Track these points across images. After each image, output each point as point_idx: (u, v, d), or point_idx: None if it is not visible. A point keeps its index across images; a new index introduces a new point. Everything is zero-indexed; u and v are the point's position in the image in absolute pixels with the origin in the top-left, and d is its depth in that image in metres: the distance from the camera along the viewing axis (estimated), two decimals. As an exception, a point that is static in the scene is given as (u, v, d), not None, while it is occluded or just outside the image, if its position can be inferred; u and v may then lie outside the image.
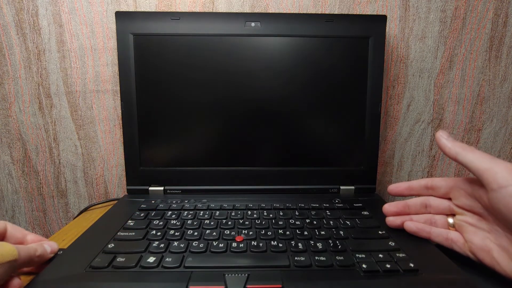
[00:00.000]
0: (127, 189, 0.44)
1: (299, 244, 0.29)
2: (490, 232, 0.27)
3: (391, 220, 0.33)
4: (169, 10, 0.46)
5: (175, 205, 0.38)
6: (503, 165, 0.24)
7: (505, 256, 0.25)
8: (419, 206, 0.32)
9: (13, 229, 0.28)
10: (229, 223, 0.34)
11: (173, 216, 0.35)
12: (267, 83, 0.42)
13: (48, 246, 0.27)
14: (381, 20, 0.43)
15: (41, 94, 0.48)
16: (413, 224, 0.31)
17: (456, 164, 0.52)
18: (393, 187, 0.33)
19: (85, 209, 0.47)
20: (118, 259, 0.27)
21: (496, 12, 0.47)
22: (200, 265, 0.26)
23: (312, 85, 0.43)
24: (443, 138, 0.29)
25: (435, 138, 0.30)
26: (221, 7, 0.46)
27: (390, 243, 0.30)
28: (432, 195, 0.32)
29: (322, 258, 0.27)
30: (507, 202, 0.24)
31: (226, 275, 0.24)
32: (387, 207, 0.33)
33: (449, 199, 0.31)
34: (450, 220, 0.30)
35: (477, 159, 0.26)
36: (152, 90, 0.42)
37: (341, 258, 0.27)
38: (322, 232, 0.32)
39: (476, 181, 0.27)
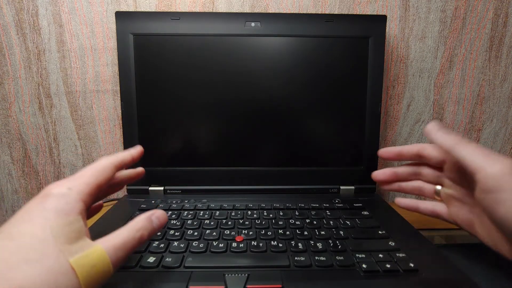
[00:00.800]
0: (127, 189, 0.44)
1: (299, 244, 0.29)
2: (473, 207, 0.27)
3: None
4: (169, 10, 0.46)
5: (175, 205, 0.38)
6: (496, 167, 0.22)
7: (485, 231, 0.26)
8: (408, 174, 0.33)
9: (120, 163, 0.25)
10: (229, 223, 0.34)
11: (173, 216, 0.35)
12: (267, 83, 0.42)
13: (156, 219, 0.23)
14: (381, 20, 0.43)
15: (41, 94, 0.48)
16: (402, 200, 0.33)
17: (456, 164, 0.52)
18: (384, 152, 0.33)
19: (85, 209, 0.47)
20: (118, 259, 0.27)
21: (496, 12, 0.47)
22: (200, 265, 0.26)
23: (312, 85, 0.43)
24: (434, 130, 0.28)
25: (426, 130, 0.28)
26: (221, 7, 0.46)
27: (390, 243, 0.30)
28: (422, 163, 0.32)
29: (322, 258, 0.27)
30: (490, 205, 0.23)
31: (226, 275, 0.24)
32: (375, 175, 0.34)
33: (440, 168, 0.30)
34: (438, 187, 0.31)
35: (471, 155, 0.24)
36: (152, 90, 0.42)
37: (341, 258, 0.27)
38: (322, 232, 0.32)
39: None
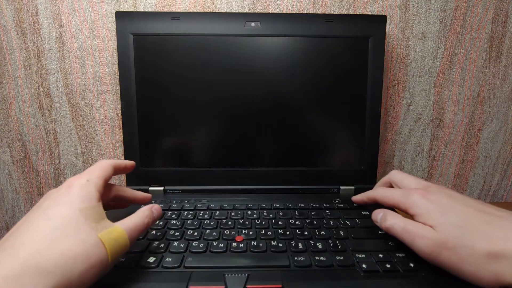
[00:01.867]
0: (127, 189, 0.44)
1: (299, 244, 0.29)
2: None
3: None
4: (169, 10, 0.46)
5: (175, 205, 0.38)
6: (422, 249, 0.25)
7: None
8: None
9: (117, 167, 0.29)
10: (229, 223, 0.34)
11: (173, 216, 0.35)
12: (267, 83, 0.42)
13: (156, 211, 0.28)
14: (381, 20, 0.43)
15: (41, 94, 0.48)
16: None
17: (456, 165, 0.52)
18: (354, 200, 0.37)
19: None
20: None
21: (496, 12, 0.47)
22: (200, 265, 0.26)
23: (312, 85, 0.43)
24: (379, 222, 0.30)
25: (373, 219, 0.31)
26: (221, 7, 0.46)
27: (390, 243, 0.30)
28: None
29: (322, 258, 0.27)
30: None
31: (226, 275, 0.24)
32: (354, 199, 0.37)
33: None
34: None
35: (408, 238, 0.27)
36: (152, 90, 0.42)
37: (341, 258, 0.27)
38: (322, 232, 0.32)
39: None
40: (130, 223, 0.25)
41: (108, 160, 0.28)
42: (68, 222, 0.21)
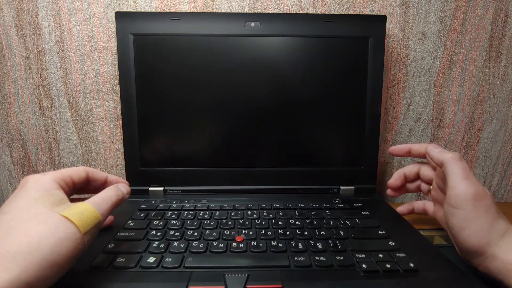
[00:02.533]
0: (127, 189, 0.44)
1: (299, 244, 0.29)
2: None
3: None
4: (169, 10, 0.46)
5: (175, 205, 0.38)
6: (465, 192, 0.26)
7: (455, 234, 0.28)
8: (413, 175, 0.37)
9: (93, 174, 0.29)
10: (229, 223, 0.34)
11: (173, 216, 0.35)
12: (267, 83, 0.42)
13: (122, 187, 0.28)
14: (381, 20, 0.43)
15: (41, 94, 0.48)
16: (403, 208, 0.39)
17: (456, 164, 0.52)
18: (394, 149, 0.36)
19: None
20: (118, 259, 0.27)
21: (496, 12, 0.47)
22: (200, 265, 0.26)
23: (312, 85, 0.43)
24: (433, 149, 0.31)
25: (426, 150, 0.32)
26: (221, 7, 0.46)
27: (390, 243, 0.30)
28: (423, 162, 0.36)
29: (322, 258, 0.27)
30: (447, 214, 0.28)
31: (226, 275, 0.24)
32: (392, 184, 0.38)
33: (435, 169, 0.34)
34: (431, 187, 0.35)
35: (455, 174, 0.27)
36: (152, 90, 0.42)
37: (341, 258, 0.27)
38: (322, 232, 0.32)
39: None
40: (96, 197, 0.25)
41: (86, 167, 0.29)
42: (24, 211, 0.21)
